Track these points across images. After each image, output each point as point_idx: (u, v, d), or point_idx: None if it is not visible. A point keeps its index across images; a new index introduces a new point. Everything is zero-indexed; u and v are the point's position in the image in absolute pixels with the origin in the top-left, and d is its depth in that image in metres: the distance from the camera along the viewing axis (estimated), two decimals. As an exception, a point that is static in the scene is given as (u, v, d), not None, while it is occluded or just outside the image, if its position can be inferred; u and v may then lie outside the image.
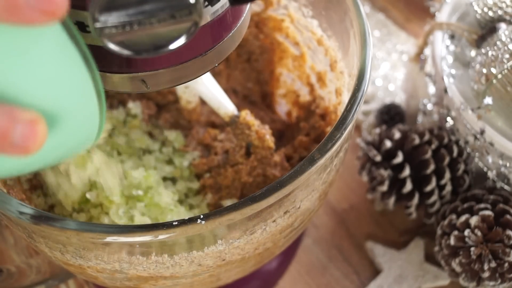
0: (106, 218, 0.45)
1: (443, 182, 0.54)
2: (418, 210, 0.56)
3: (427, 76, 0.58)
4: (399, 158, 0.54)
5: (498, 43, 0.51)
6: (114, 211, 0.45)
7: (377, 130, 0.57)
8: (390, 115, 0.63)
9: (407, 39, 0.72)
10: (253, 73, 0.59)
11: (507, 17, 0.53)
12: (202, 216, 0.35)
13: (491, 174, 0.53)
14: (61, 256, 0.40)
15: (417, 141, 0.54)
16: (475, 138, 0.52)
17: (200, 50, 0.38)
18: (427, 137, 0.55)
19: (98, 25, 0.31)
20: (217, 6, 0.36)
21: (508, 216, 0.50)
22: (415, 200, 0.55)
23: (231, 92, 0.58)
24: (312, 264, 0.57)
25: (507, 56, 0.49)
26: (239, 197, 0.49)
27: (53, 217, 0.36)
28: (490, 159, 0.51)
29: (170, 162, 0.51)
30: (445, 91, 0.53)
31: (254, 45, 0.57)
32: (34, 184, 0.48)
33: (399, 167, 0.55)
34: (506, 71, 0.49)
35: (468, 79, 0.54)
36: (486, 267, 0.49)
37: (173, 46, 0.32)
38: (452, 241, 0.51)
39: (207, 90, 0.48)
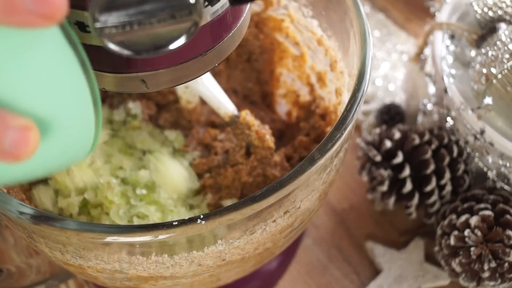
0: (107, 220, 0.45)
1: (443, 182, 0.54)
2: (418, 210, 0.56)
3: (427, 76, 0.58)
4: (399, 158, 0.54)
5: (498, 43, 0.51)
6: (115, 212, 0.45)
7: (377, 130, 0.57)
8: (390, 115, 0.63)
9: (407, 39, 0.72)
10: (253, 73, 0.59)
11: (507, 17, 0.53)
12: (202, 216, 0.35)
13: (491, 174, 0.53)
14: (61, 256, 0.40)
15: (417, 141, 0.54)
16: (475, 138, 0.52)
17: (200, 50, 0.38)
18: (427, 137, 0.55)
19: (98, 25, 0.30)
20: (217, 6, 0.36)
21: (508, 216, 0.50)
22: (415, 200, 0.55)
23: (231, 92, 0.58)
24: (312, 264, 0.57)
25: (507, 56, 0.49)
26: (239, 197, 0.49)
27: (53, 217, 0.36)
28: (490, 159, 0.51)
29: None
30: (445, 91, 0.53)
31: (254, 45, 0.57)
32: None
33: (399, 167, 0.55)
34: (506, 71, 0.49)
35: (468, 79, 0.54)
36: (486, 267, 0.49)
37: (173, 46, 0.32)
38: (452, 241, 0.51)
39: (207, 90, 0.48)
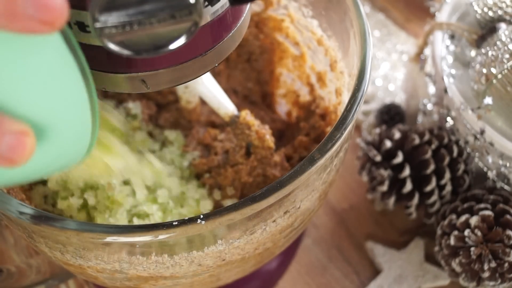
0: (107, 220, 0.45)
1: (443, 182, 0.54)
2: (418, 210, 0.56)
3: (427, 76, 0.58)
4: (399, 158, 0.54)
5: (498, 43, 0.51)
6: (115, 212, 0.45)
7: (377, 130, 0.57)
8: (390, 115, 0.63)
9: (407, 39, 0.72)
10: (253, 73, 0.59)
11: (507, 17, 0.53)
12: (202, 216, 0.35)
13: (491, 174, 0.53)
14: (61, 256, 0.40)
15: (417, 141, 0.54)
16: (475, 138, 0.52)
17: (200, 50, 0.38)
18: (427, 137, 0.55)
19: (98, 25, 0.30)
20: (217, 6, 0.36)
21: (508, 216, 0.50)
22: (415, 200, 0.55)
23: (231, 92, 0.58)
24: (312, 264, 0.57)
25: (507, 56, 0.49)
26: (239, 197, 0.49)
27: (53, 217, 0.36)
28: (490, 159, 0.51)
29: (170, 162, 0.51)
30: (445, 91, 0.53)
31: (254, 45, 0.57)
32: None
33: (399, 167, 0.55)
34: (506, 71, 0.49)
35: (468, 79, 0.54)
36: (486, 267, 0.49)
37: (173, 46, 0.32)
38: (452, 241, 0.51)
39: (207, 90, 0.48)
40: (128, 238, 0.36)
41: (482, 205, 0.51)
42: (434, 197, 0.54)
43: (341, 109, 0.49)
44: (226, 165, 0.50)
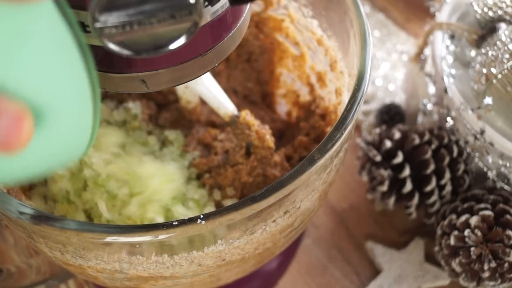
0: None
1: (443, 182, 0.54)
2: (418, 210, 0.56)
3: (427, 76, 0.58)
4: (399, 158, 0.54)
5: (498, 43, 0.51)
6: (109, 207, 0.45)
7: (377, 130, 0.58)
8: (390, 115, 0.63)
9: (407, 39, 0.72)
10: (253, 73, 0.59)
11: (507, 17, 0.53)
12: (202, 216, 0.35)
13: (491, 174, 0.53)
14: (61, 256, 0.40)
15: (417, 141, 0.55)
16: (475, 138, 0.52)
17: (200, 50, 0.38)
18: (427, 137, 0.55)
19: (98, 25, 0.30)
20: (217, 6, 0.36)
21: (508, 216, 0.50)
22: (415, 200, 0.55)
23: (231, 92, 0.58)
24: (312, 264, 0.57)
25: (507, 56, 0.49)
26: (239, 197, 0.49)
27: (53, 217, 0.36)
28: (490, 159, 0.51)
29: (170, 162, 0.51)
30: (445, 91, 0.53)
31: (254, 45, 0.57)
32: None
33: (399, 167, 0.55)
34: (506, 71, 0.49)
35: (468, 79, 0.54)
36: (486, 267, 0.49)
37: (173, 46, 0.32)
38: (452, 241, 0.51)
39: (207, 90, 0.48)
40: (128, 238, 0.36)
41: (482, 205, 0.51)
42: (434, 197, 0.54)
43: (341, 109, 0.49)
44: (226, 165, 0.50)
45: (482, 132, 0.50)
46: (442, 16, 0.57)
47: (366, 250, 0.57)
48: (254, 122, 0.50)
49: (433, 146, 0.54)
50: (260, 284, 0.56)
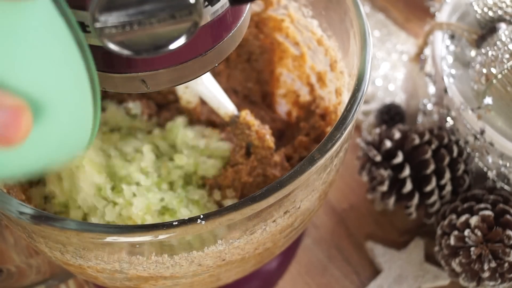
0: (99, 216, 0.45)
1: (443, 182, 0.54)
2: (418, 210, 0.56)
3: (427, 76, 0.58)
4: (399, 158, 0.54)
5: (498, 43, 0.51)
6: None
7: (377, 130, 0.58)
8: (390, 115, 0.63)
9: (407, 39, 0.72)
10: (253, 73, 0.59)
11: (507, 17, 0.53)
12: (202, 216, 0.35)
13: (491, 174, 0.53)
14: (61, 256, 0.40)
15: (417, 141, 0.55)
16: (475, 138, 0.52)
17: (200, 50, 0.38)
18: (427, 137, 0.55)
19: (98, 25, 0.30)
20: (217, 6, 0.36)
21: (508, 216, 0.50)
22: (415, 200, 0.55)
23: (231, 92, 0.58)
24: (312, 264, 0.57)
25: (507, 56, 0.49)
26: (239, 197, 0.49)
27: (53, 217, 0.36)
28: (490, 159, 0.51)
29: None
30: (445, 91, 0.53)
31: (254, 45, 0.57)
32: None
33: (399, 167, 0.55)
34: (506, 71, 0.49)
35: (468, 79, 0.54)
36: (486, 267, 0.49)
37: (173, 46, 0.32)
38: (452, 241, 0.51)
39: (207, 90, 0.48)
40: (128, 238, 0.36)
41: (482, 205, 0.51)
42: (434, 197, 0.54)
43: (341, 109, 0.49)
44: (226, 165, 0.50)
45: (482, 132, 0.50)
46: (442, 16, 0.57)
47: (366, 250, 0.57)
48: (254, 122, 0.50)
49: (433, 146, 0.54)
50: (260, 284, 0.56)
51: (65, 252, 0.39)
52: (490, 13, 0.53)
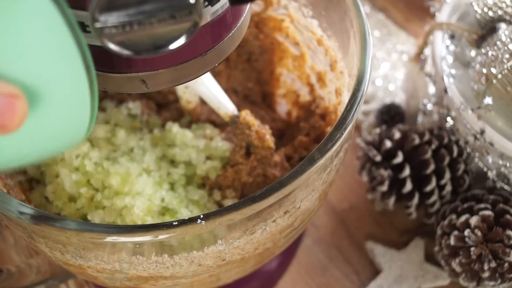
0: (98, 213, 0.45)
1: (443, 182, 0.54)
2: (418, 210, 0.56)
3: (427, 76, 0.58)
4: (399, 158, 0.54)
5: (498, 43, 0.51)
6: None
7: (377, 130, 0.58)
8: (390, 115, 0.63)
9: (407, 39, 0.72)
10: (253, 73, 0.59)
11: (507, 17, 0.53)
12: (202, 216, 0.35)
13: (491, 174, 0.53)
14: (61, 256, 0.40)
15: (417, 141, 0.55)
16: (475, 138, 0.52)
17: (200, 50, 0.38)
18: (427, 137, 0.55)
19: (98, 25, 0.31)
20: (217, 6, 0.36)
21: (508, 216, 0.50)
22: (415, 200, 0.55)
23: (231, 92, 0.58)
24: (312, 264, 0.57)
25: (507, 56, 0.49)
26: (239, 197, 0.49)
27: (53, 217, 0.36)
28: (490, 159, 0.51)
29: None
30: (445, 91, 0.53)
31: (254, 45, 0.57)
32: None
33: (399, 167, 0.55)
34: (506, 71, 0.49)
35: (468, 79, 0.54)
36: (486, 267, 0.49)
37: (173, 46, 0.32)
38: (452, 241, 0.51)
39: (207, 90, 0.48)
40: (128, 238, 0.36)
41: (482, 205, 0.51)
42: (434, 197, 0.54)
43: (341, 109, 0.49)
44: (226, 165, 0.50)
45: (482, 132, 0.50)
46: (442, 16, 0.57)
47: (366, 250, 0.57)
48: (254, 122, 0.50)
49: (433, 146, 0.54)
50: (260, 284, 0.56)
51: (65, 252, 0.39)
52: (490, 13, 0.53)
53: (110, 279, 0.41)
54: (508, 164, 0.51)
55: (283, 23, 0.55)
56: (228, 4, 0.37)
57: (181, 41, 0.32)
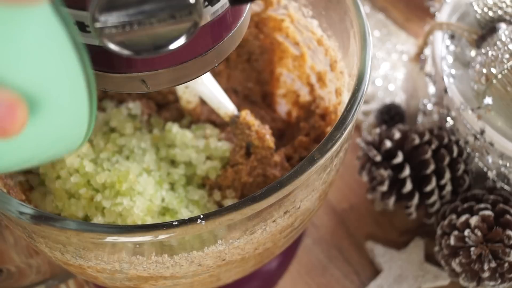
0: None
1: (443, 182, 0.54)
2: (418, 210, 0.56)
3: (427, 76, 0.58)
4: (399, 158, 0.54)
5: (498, 43, 0.51)
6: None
7: (377, 130, 0.58)
8: (390, 115, 0.63)
9: (407, 39, 0.72)
10: (253, 73, 0.59)
11: (507, 17, 0.53)
12: (202, 216, 0.35)
13: (491, 174, 0.53)
14: (61, 256, 0.40)
15: (417, 141, 0.55)
16: (475, 138, 0.52)
17: (200, 50, 0.38)
18: (427, 137, 0.55)
19: (98, 25, 0.30)
20: (217, 6, 0.36)
21: (508, 216, 0.50)
22: (415, 200, 0.55)
23: (231, 92, 0.58)
24: (312, 264, 0.57)
25: (507, 56, 0.49)
26: (239, 197, 0.49)
27: (53, 217, 0.36)
28: (490, 159, 0.51)
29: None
30: (445, 91, 0.53)
31: (254, 45, 0.57)
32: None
33: (399, 167, 0.55)
34: (506, 71, 0.49)
35: (468, 79, 0.54)
36: (486, 267, 0.49)
37: (173, 46, 0.32)
38: (452, 241, 0.51)
39: (207, 90, 0.48)
40: (128, 238, 0.36)
41: (482, 205, 0.51)
42: (434, 197, 0.54)
43: (341, 109, 0.49)
44: (226, 165, 0.50)
45: (482, 132, 0.50)
46: (442, 16, 0.57)
47: (366, 250, 0.57)
48: (254, 122, 0.50)
49: (433, 146, 0.54)
50: (260, 284, 0.56)
51: (65, 252, 0.39)
52: (490, 13, 0.53)
53: (110, 279, 0.41)
54: (508, 164, 0.51)
55: (283, 23, 0.55)
56: (228, 4, 0.37)
57: (181, 41, 0.32)
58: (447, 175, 0.54)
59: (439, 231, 0.53)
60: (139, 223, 0.45)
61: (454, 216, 0.52)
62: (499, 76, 0.49)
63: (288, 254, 0.57)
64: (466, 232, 0.50)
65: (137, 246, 0.37)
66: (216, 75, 0.54)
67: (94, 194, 0.46)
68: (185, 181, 0.49)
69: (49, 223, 0.36)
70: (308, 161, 0.37)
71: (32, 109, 0.28)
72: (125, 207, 0.45)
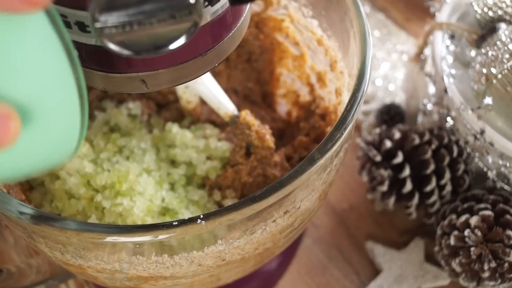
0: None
1: (443, 182, 0.54)
2: (418, 210, 0.56)
3: (427, 76, 0.58)
4: (399, 158, 0.54)
5: (498, 43, 0.51)
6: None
7: (377, 130, 0.58)
8: (390, 115, 0.63)
9: (407, 39, 0.72)
10: (253, 73, 0.59)
11: (507, 17, 0.53)
12: (202, 216, 0.35)
13: (491, 174, 0.53)
14: (61, 256, 0.40)
15: (417, 141, 0.55)
16: (475, 138, 0.52)
17: (200, 50, 0.38)
18: (427, 137, 0.55)
19: (98, 25, 0.31)
20: (217, 6, 0.36)
21: (508, 216, 0.50)
22: (415, 200, 0.55)
23: (231, 92, 0.58)
24: (312, 264, 0.57)
25: (507, 56, 0.49)
26: (239, 197, 0.49)
27: (53, 217, 0.36)
28: (490, 159, 0.51)
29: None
30: (445, 91, 0.53)
31: (254, 45, 0.57)
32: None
33: (399, 167, 0.55)
34: (506, 71, 0.49)
35: (468, 79, 0.54)
36: (486, 267, 0.49)
37: (173, 46, 0.32)
38: (452, 241, 0.51)
39: (207, 90, 0.48)
40: (128, 238, 0.36)
41: (482, 205, 0.51)
42: (434, 197, 0.54)
43: (341, 109, 0.49)
44: (226, 165, 0.50)
45: (482, 132, 0.50)
46: (442, 16, 0.57)
47: (366, 250, 0.57)
48: (254, 122, 0.50)
49: (433, 146, 0.54)
50: (260, 284, 0.56)
51: (65, 252, 0.39)
52: (490, 13, 0.53)
53: (110, 279, 0.41)
54: (508, 164, 0.51)
55: (283, 23, 0.55)
56: (228, 4, 0.37)
57: (181, 41, 0.32)
58: (447, 175, 0.54)
59: (439, 231, 0.53)
60: (139, 223, 0.45)
61: (454, 216, 0.52)
62: (499, 76, 0.49)
63: (288, 254, 0.57)
64: (466, 232, 0.50)
65: (137, 246, 0.37)
66: (216, 75, 0.54)
67: (94, 195, 0.46)
68: (185, 181, 0.49)
69: (49, 223, 0.36)
70: (308, 161, 0.37)
71: (24, 120, 0.29)
72: (125, 207, 0.45)
